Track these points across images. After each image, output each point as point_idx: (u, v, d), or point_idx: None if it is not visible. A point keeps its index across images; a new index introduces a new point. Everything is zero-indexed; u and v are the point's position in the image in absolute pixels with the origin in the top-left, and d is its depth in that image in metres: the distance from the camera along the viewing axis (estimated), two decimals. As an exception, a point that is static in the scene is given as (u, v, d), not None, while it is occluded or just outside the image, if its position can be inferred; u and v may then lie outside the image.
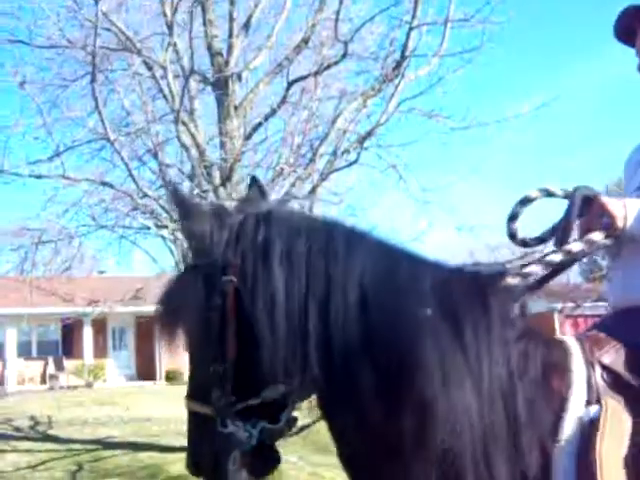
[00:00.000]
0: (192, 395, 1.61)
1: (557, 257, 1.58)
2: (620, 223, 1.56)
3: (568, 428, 1.39)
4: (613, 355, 1.52)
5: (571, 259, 1.60)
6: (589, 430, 1.38)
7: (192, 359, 1.65)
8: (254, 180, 1.78)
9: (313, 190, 9.46)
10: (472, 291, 1.44)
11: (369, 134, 9.91)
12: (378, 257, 1.51)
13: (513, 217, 1.73)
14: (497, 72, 54.90)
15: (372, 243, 1.55)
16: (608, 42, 2.03)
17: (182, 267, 1.57)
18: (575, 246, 1.59)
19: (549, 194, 1.69)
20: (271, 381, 1.48)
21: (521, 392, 1.40)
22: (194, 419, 1.61)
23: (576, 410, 1.41)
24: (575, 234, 1.63)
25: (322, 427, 1.58)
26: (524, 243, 1.75)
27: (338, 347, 1.42)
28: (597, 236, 1.58)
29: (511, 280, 1.52)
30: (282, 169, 9.63)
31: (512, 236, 1.75)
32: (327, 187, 10.67)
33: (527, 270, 1.56)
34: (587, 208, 1.59)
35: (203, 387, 1.57)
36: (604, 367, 1.49)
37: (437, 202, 11.19)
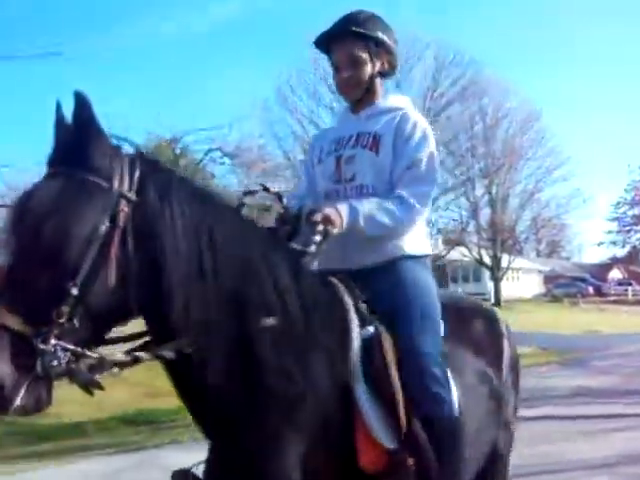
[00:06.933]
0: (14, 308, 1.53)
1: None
2: (336, 227, 2.11)
3: (355, 341, 2.05)
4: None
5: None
6: (370, 342, 2.05)
7: (34, 269, 1.56)
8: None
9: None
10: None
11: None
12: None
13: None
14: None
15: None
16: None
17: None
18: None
19: (265, 189, 2.24)
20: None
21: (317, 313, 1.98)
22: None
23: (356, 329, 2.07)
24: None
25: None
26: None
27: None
28: (317, 238, 2.10)
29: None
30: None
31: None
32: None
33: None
34: (310, 217, 2.12)
35: (36, 302, 1.54)
36: (363, 301, 2.16)
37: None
